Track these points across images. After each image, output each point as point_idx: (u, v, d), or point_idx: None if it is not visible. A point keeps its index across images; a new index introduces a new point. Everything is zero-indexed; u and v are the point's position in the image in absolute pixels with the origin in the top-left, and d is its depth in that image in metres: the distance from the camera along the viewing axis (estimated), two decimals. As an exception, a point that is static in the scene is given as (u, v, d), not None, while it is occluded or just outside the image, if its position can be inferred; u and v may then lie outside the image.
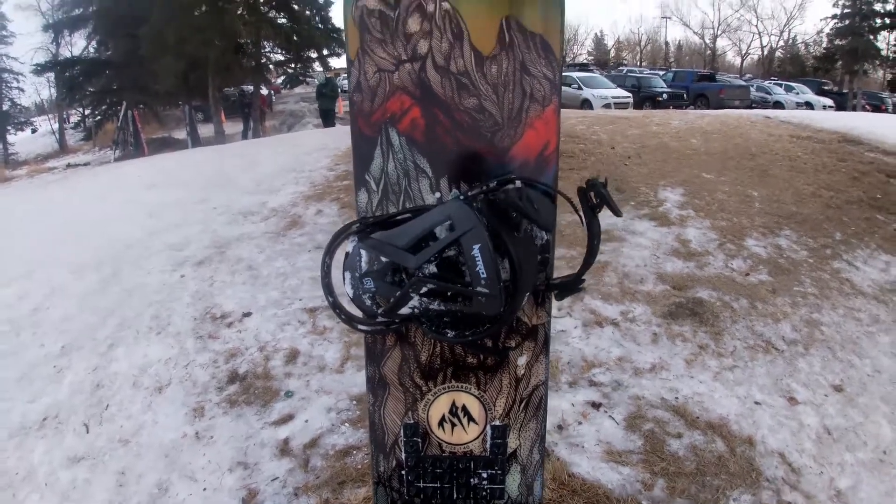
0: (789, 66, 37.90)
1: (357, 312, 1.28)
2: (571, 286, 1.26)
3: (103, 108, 20.23)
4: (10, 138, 29.31)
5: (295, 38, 15.80)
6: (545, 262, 1.27)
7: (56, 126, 29.08)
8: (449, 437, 1.44)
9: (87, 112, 23.72)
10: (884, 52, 23.09)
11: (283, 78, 21.36)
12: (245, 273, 3.79)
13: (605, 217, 1.23)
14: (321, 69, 17.05)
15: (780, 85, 24.50)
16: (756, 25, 44.65)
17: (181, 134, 19.02)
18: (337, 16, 16.39)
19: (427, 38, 1.25)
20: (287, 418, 2.52)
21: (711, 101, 19.81)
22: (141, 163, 9.97)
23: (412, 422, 1.44)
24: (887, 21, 21.16)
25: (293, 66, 18.11)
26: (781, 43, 43.76)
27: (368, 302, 1.22)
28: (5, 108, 30.02)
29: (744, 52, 46.73)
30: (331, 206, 4.79)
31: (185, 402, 2.69)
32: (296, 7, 16.10)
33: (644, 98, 19.54)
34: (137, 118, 15.99)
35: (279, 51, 17.32)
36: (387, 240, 1.15)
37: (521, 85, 1.25)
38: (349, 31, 1.27)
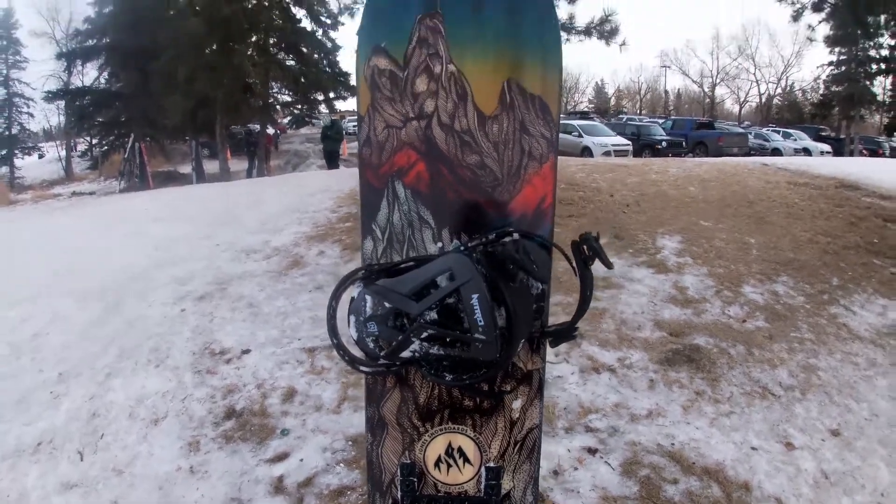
0: (787, 112, 38.57)
1: (360, 354, 1.33)
2: (565, 334, 1.31)
3: (111, 138, 20.61)
4: (18, 162, 29.73)
5: (302, 80, 16.21)
6: (540, 310, 1.33)
7: (63, 153, 29.50)
8: (444, 477, 1.47)
9: (94, 141, 24.12)
10: (880, 98, 23.47)
11: (289, 118, 21.81)
12: (246, 310, 3.83)
13: (602, 266, 1.29)
14: (327, 111, 17.41)
15: (778, 132, 24.89)
16: (754, 73, 45.66)
17: (186, 168, 19.28)
18: (344, 60, 16.87)
19: (433, 97, 1.33)
20: (282, 456, 2.53)
21: (710, 148, 20.13)
22: (147, 195, 10.10)
23: (409, 461, 1.47)
24: (882, 66, 21.59)
25: (300, 107, 18.54)
26: (779, 90, 44.73)
27: (371, 344, 1.27)
28: (14, 132, 30.53)
29: (742, 99, 47.74)
30: (333, 248, 4.86)
31: (180, 436, 2.69)
32: (305, 50, 16.56)
33: (643, 146, 19.89)
34: (144, 151, 16.28)
35: (286, 92, 17.73)
36: (391, 287, 1.21)
37: (521, 143, 1.34)
38: (361, 89, 1.36)
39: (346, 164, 13.33)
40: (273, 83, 16.76)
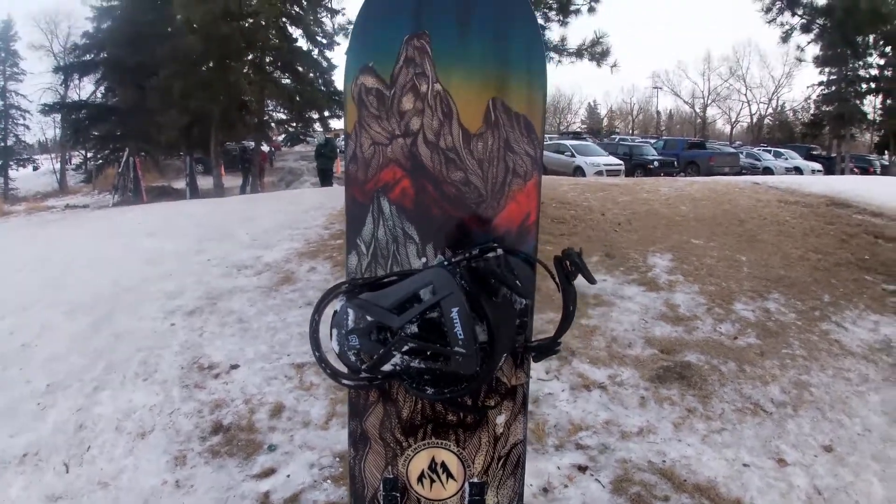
0: (778, 132, 38.85)
1: (342, 368, 1.34)
2: (548, 349, 1.32)
3: (106, 152, 20.61)
4: (12, 173, 29.65)
5: (298, 98, 16.30)
6: (524, 325, 1.34)
7: (58, 166, 29.46)
8: (428, 492, 1.47)
9: (89, 155, 24.11)
10: (870, 116, 23.69)
11: (283, 136, 21.89)
12: (235, 325, 3.82)
13: (596, 282, 1.30)
14: (321, 129, 17.51)
15: (770, 151, 25.14)
16: (745, 94, 46.17)
17: (180, 184, 19.27)
18: (339, 80, 16.96)
19: (419, 115, 1.36)
20: (269, 472, 2.51)
21: (701, 168, 20.28)
22: (141, 210, 10.08)
23: (392, 476, 1.47)
24: (872, 85, 21.85)
25: (294, 125, 18.62)
26: (770, 110, 45.16)
27: (353, 358, 1.28)
28: (10, 143, 30.49)
29: (733, 119, 48.24)
30: (324, 265, 4.86)
31: (167, 450, 2.68)
32: (300, 69, 16.69)
33: (635, 165, 20.06)
34: (139, 165, 16.26)
35: (281, 109, 17.82)
36: (373, 300, 1.22)
37: (505, 161, 1.36)
38: (348, 107, 1.38)
39: (340, 182, 13.35)
40: (268, 101, 16.88)
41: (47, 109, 20.61)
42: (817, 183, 8.03)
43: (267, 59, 15.86)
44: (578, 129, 43.59)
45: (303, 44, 16.70)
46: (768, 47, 50.69)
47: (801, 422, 2.92)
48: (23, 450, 2.72)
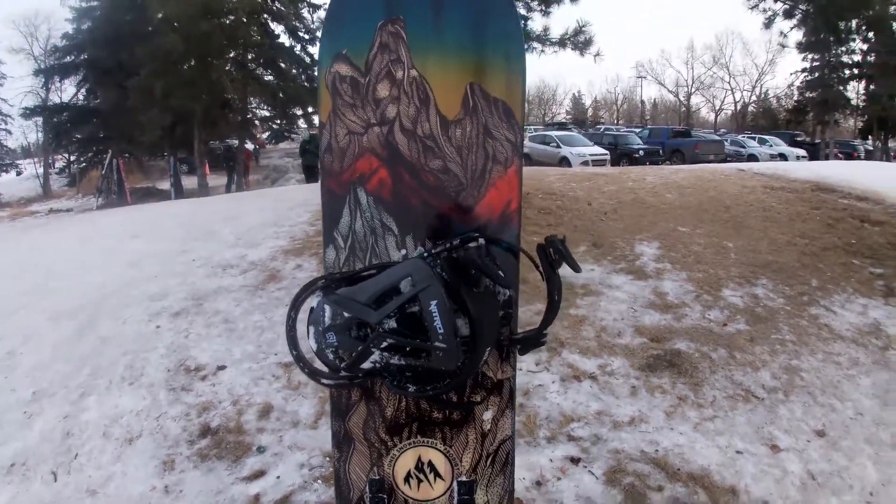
0: (762, 119, 39.04)
1: (322, 366, 1.29)
2: (533, 341, 1.28)
3: (89, 155, 20.32)
4: (-5, 179, 29.18)
5: (281, 95, 16.10)
6: (508, 317, 1.30)
7: (41, 170, 29.02)
8: (415, 493, 1.43)
9: (72, 158, 23.75)
10: (854, 102, 23.84)
11: (268, 133, 21.67)
12: (221, 326, 3.76)
13: (583, 271, 1.26)
14: (306, 126, 17.35)
15: (754, 138, 25.24)
16: (728, 82, 46.42)
17: (165, 184, 19.06)
18: (322, 75, 16.80)
19: (395, 103, 1.31)
20: (259, 474, 2.47)
21: (687, 156, 20.35)
22: (125, 212, 9.96)
23: (378, 477, 1.43)
24: (855, 71, 21.99)
25: (278, 122, 18.43)
26: (754, 98, 45.37)
27: (331, 356, 1.23)
28: (-8, 149, 30.07)
29: (717, 107, 48.46)
30: (310, 261, 4.80)
31: (155, 455, 2.63)
32: (283, 65, 16.50)
33: (621, 155, 20.08)
34: (122, 167, 16.06)
35: (265, 107, 17.63)
36: (349, 295, 1.17)
37: (484, 147, 1.31)
38: (322, 96, 1.33)
39: (327, 178, 13.25)
40: (251, 98, 16.67)
41: (29, 113, 20.25)
42: (802, 168, 8.05)
43: (249, 56, 15.65)
44: (563, 120, 43.64)
45: (285, 40, 16.52)
46: (751, 36, 51.18)
47: (792, 407, 2.92)
48: (10, 459, 2.67)
